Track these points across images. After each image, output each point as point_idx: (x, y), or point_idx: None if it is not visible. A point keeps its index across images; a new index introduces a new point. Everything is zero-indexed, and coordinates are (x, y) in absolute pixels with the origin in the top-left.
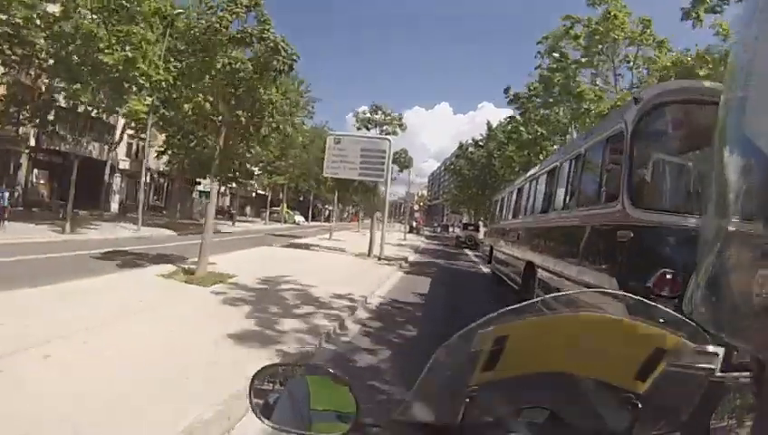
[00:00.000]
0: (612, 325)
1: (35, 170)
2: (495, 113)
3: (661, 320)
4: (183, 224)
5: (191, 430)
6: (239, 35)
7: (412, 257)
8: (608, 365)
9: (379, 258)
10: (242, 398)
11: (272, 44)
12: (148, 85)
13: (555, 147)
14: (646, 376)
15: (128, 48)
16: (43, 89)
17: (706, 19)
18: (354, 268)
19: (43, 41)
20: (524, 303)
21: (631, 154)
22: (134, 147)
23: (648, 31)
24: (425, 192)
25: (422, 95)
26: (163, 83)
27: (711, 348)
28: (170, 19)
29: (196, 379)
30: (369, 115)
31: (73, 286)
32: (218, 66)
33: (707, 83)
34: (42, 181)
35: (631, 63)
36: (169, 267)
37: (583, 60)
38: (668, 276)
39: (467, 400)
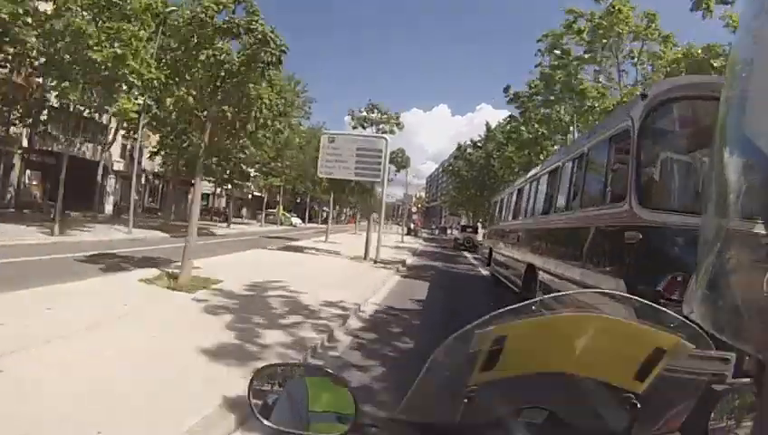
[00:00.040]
0: (611, 325)
1: (28, 171)
2: (494, 115)
3: (659, 320)
4: (177, 226)
5: None
6: (225, 26)
7: (410, 260)
8: (607, 365)
9: (375, 261)
10: (211, 427)
11: (260, 36)
12: (139, 84)
13: (556, 147)
14: (645, 376)
15: (116, 45)
16: (35, 87)
17: (717, 10)
18: (349, 272)
19: (34, 39)
20: (523, 303)
21: (638, 152)
22: (129, 148)
23: (654, 25)
24: (423, 194)
25: (420, 97)
26: (155, 82)
27: (714, 353)
28: (163, 17)
29: (160, 401)
30: (365, 114)
31: (44, 292)
32: (202, 58)
33: (716, 78)
34: (34, 182)
35: (635, 60)
36: (153, 272)
37: (586, 56)
38: (680, 280)
39: (466, 400)
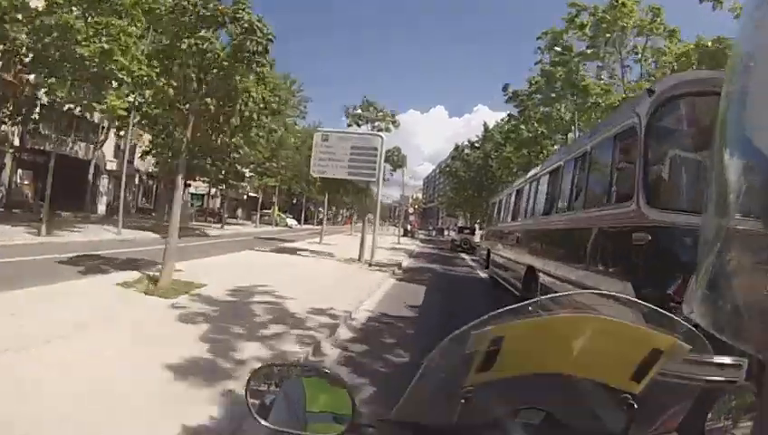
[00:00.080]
0: (608, 326)
1: (20, 171)
2: (491, 117)
3: (656, 321)
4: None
5: None
6: (209, 14)
7: (406, 262)
8: (604, 366)
9: (370, 264)
10: None
11: (246, 25)
12: (129, 81)
13: (556, 147)
14: (641, 377)
15: (104, 39)
16: (24, 84)
17: (726, 1)
18: (341, 276)
19: (24, 36)
20: (520, 304)
21: (646, 150)
22: (122, 147)
23: (659, 19)
24: (420, 195)
25: (417, 98)
26: (145, 78)
27: (714, 359)
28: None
29: (103, 432)
30: (360, 111)
31: (11, 296)
32: (183, 47)
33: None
34: (26, 182)
35: (640, 55)
36: (134, 275)
37: (589, 51)
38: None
39: (463, 400)
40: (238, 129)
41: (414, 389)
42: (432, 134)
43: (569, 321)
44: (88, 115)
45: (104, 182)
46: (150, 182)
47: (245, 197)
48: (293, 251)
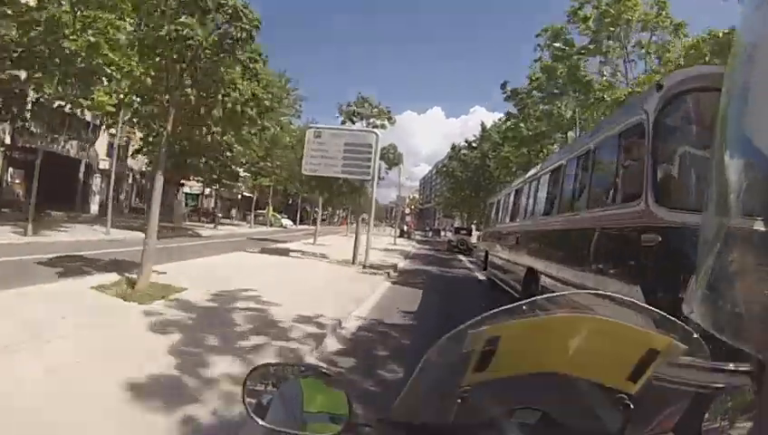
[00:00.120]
0: (604, 326)
1: (11, 169)
2: (488, 118)
3: (652, 321)
4: (161, 227)
5: None
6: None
7: (401, 264)
8: (600, 366)
9: (364, 266)
10: None
11: (230, 11)
12: (119, 76)
13: (556, 145)
14: (638, 377)
15: (90, 32)
16: (11, 79)
17: None
18: (333, 279)
19: (14, 31)
20: (516, 303)
21: (654, 147)
22: (116, 146)
23: (664, 13)
24: (416, 196)
25: (414, 99)
26: (126, 70)
27: (708, 364)
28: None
29: None
30: (354, 108)
31: None
32: (162, 34)
33: None
34: (17, 181)
35: (644, 50)
36: (113, 277)
37: (591, 46)
38: None
39: (459, 400)
40: (222, 122)
41: (410, 389)
42: (429, 135)
43: (565, 321)
44: (79, 113)
45: (97, 181)
46: (144, 181)
47: (240, 197)
48: (285, 252)
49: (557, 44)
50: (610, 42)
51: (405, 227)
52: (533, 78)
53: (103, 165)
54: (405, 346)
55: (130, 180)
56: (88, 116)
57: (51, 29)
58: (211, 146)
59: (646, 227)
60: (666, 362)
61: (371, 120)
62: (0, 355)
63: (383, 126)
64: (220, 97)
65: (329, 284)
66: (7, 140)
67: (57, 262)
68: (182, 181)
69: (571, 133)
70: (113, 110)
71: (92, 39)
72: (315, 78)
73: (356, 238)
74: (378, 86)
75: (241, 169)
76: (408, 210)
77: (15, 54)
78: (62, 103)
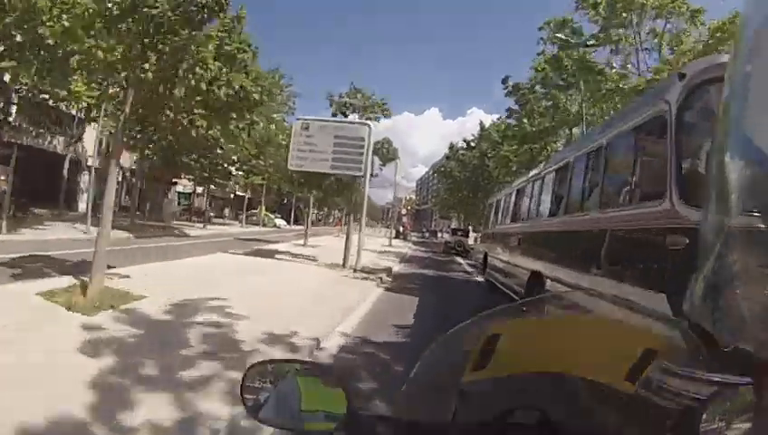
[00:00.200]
0: (603, 326)
1: None
2: (485, 119)
3: (652, 322)
4: (147, 226)
5: None
6: None
7: (396, 268)
8: (598, 366)
9: (355, 270)
10: None
11: None
12: (97, 66)
13: (560, 143)
14: (636, 377)
15: (65, 17)
16: None
17: None
18: (319, 285)
19: None
20: (515, 303)
21: (678, 140)
22: (104, 142)
23: None
24: (413, 196)
25: (412, 100)
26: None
27: (704, 375)
28: None
29: None
30: (346, 99)
31: None
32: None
33: None
34: (2, 177)
35: (656, 39)
36: (67, 281)
37: (601, 35)
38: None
39: (458, 399)
40: (185, 102)
41: (409, 387)
42: (426, 136)
43: (564, 321)
44: (64, 107)
45: (85, 178)
46: (134, 179)
47: (233, 196)
48: (272, 254)
49: (561, 35)
50: (621, 30)
51: (401, 229)
52: (539, 68)
53: (92, 162)
54: (397, 374)
55: (120, 178)
56: (73, 110)
57: (26, 14)
58: (198, 141)
59: (671, 229)
60: (661, 370)
61: (365, 114)
62: None
63: (377, 119)
64: (181, 73)
65: (312, 291)
66: None
67: (18, 262)
68: (174, 180)
69: (576, 130)
70: (93, 101)
71: (67, 24)
72: (312, 78)
73: (347, 239)
74: (376, 86)
75: (233, 168)
76: (404, 211)
77: None
78: (41, 94)
